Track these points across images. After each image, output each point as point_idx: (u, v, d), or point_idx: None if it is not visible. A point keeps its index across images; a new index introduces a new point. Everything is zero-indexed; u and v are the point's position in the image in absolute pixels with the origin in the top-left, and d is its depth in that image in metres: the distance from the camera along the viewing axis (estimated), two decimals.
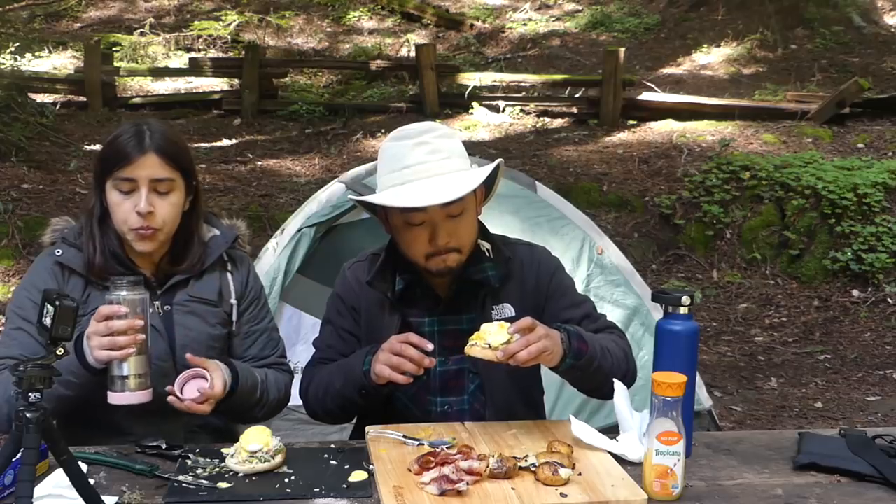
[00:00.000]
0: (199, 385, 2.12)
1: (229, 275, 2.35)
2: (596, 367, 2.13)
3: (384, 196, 2.17)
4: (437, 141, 2.18)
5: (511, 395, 2.30)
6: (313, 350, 2.42)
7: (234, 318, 2.34)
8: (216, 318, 2.30)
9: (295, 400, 2.39)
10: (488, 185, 2.29)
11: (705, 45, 11.85)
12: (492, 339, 2.01)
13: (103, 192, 2.21)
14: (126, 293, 2.01)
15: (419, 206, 2.12)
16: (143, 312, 2.03)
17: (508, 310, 2.26)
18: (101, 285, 2.19)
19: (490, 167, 2.20)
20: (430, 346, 2.06)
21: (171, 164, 2.19)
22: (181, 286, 2.28)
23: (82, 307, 2.18)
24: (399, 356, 2.05)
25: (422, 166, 2.14)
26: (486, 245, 2.30)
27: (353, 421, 2.45)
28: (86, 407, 2.14)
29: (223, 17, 12.36)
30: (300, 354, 3.22)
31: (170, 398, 2.10)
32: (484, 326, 2.05)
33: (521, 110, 9.72)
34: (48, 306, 1.68)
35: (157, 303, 2.24)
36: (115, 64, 10.38)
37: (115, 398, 2.02)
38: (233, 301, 2.33)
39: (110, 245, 2.22)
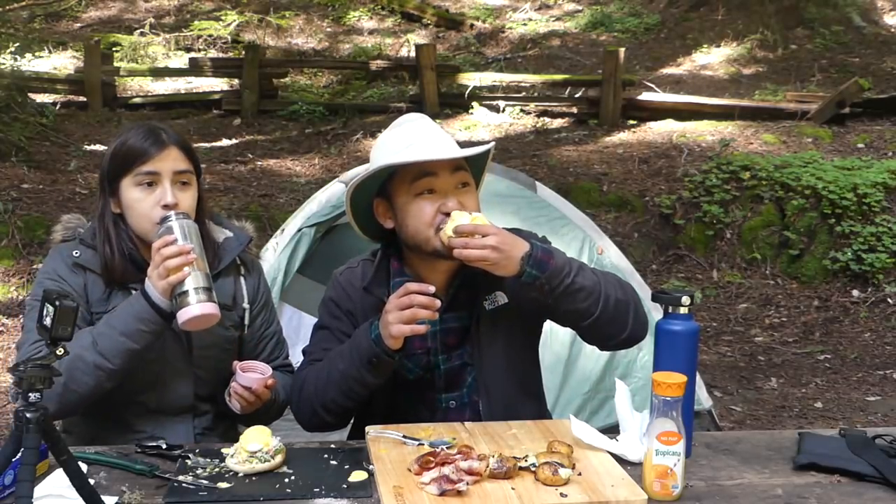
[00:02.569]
0: (254, 376, 2.18)
1: (242, 279, 2.37)
2: (569, 283, 2.07)
3: (391, 158, 2.16)
4: (432, 124, 2.27)
5: (508, 385, 2.28)
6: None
7: (247, 321, 2.35)
8: (229, 321, 2.31)
9: None
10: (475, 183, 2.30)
11: (705, 45, 11.85)
12: (449, 226, 2.06)
13: (114, 195, 2.21)
14: (174, 221, 2.08)
15: (430, 159, 2.12)
16: (192, 236, 2.09)
17: (501, 297, 2.26)
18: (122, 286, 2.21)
19: (489, 146, 2.24)
20: (431, 289, 2.04)
21: (189, 158, 2.25)
22: None
23: (104, 305, 2.20)
24: (409, 307, 2.02)
25: (423, 135, 2.19)
26: None
27: (351, 422, 2.45)
28: (99, 403, 2.15)
29: (223, 17, 12.36)
30: (300, 354, 3.21)
31: (232, 385, 2.18)
32: (454, 213, 2.09)
33: (521, 110, 9.72)
34: (48, 306, 1.67)
35: None
36: (115, 64, 10.38)
37: (182, 316, 2.03)
38: (245, 305, 2.35)
39: (126, 247, 2.23)
